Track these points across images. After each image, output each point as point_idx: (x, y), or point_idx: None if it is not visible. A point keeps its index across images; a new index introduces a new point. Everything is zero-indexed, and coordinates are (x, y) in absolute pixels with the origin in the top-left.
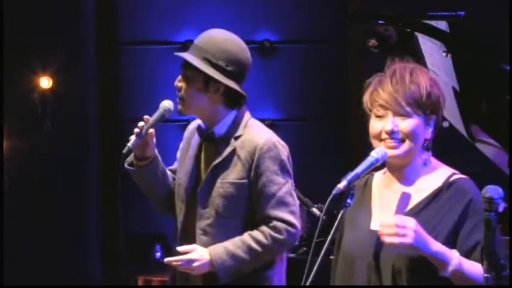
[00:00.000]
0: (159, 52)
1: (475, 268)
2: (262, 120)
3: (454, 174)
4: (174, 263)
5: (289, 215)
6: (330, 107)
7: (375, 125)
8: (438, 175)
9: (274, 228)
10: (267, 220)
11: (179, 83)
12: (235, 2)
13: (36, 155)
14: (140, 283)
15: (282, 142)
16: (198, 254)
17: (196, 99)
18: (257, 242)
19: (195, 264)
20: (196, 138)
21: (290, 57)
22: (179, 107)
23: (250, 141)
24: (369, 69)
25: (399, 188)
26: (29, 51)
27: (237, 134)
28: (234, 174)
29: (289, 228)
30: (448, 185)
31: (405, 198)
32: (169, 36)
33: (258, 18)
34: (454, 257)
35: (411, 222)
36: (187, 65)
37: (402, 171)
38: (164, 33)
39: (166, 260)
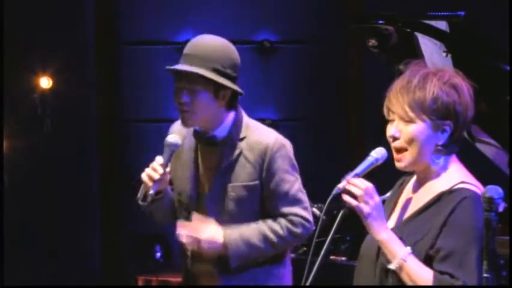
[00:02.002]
0: (159, 52)
1: (421, 272)
2: (262, 120)
3: (462, 182)
4: (185, 239)
5: (303, 211)
6: (330, 107)
7: (387, 129)
8: (447, 181)
9: (291, 222)
10: (283, 216)
11: (184, 97)
12: (235, 2)
13: (36, 155)
14: (140, 283)
15: (287, 140)
16: (211, 233)
17: (206, 110)
18: (273, 231)
19: (206, 244)
20: (188, 143)
21: (290, 57)
22: (188, 121)
23: (258, 143)
24: (369, 69)
25: (412, 192)
26: (29, 51)
27: (241, 136)
28: (244, 177)
29: (304, 223)
30: (448, 193)
31: (410, 202)
32: (169, 36)
33: (258, 18)
34: (402, 253)
35: (378, 198)
36: (193, 78)
37: (418, 176)
38: (164, 33)
39: (178, 232)
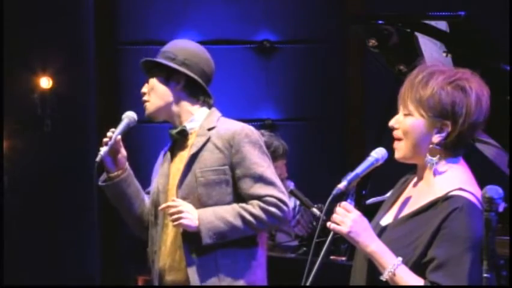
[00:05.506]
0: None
1: (411, 282)
2: (262, 120)
3: (459, 189)
4: (171, 209)
5: (280, 193)
6: (330, 107)
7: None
8: (444, 186)
9: (265, 202)
10: (258, 198)
11: (144, 89)
12: (235, 2)
13: (36, 155)
14: (140, 283)
15: (255, 130)
16: (187, 207)
17: (160, 97)
18: (246, 209)
19: (184, 215)
20: (165, 154)
21: (290, 57)
22: (146, 111)
23: (226, 130)
24: (368, 69)
25: (412, 190)
26: (29, 51)
27: (211, 126)
28: (213, 162)
29: (280, 204)
30: (442, 200)
31: (408, 202)
32: (169, 36)
33: (258, 18)
34: (392, 264)
35: (353, 214)
36: (149, 67)
37: (419, 172)
38: (164, 33)
39: (161, 207)
